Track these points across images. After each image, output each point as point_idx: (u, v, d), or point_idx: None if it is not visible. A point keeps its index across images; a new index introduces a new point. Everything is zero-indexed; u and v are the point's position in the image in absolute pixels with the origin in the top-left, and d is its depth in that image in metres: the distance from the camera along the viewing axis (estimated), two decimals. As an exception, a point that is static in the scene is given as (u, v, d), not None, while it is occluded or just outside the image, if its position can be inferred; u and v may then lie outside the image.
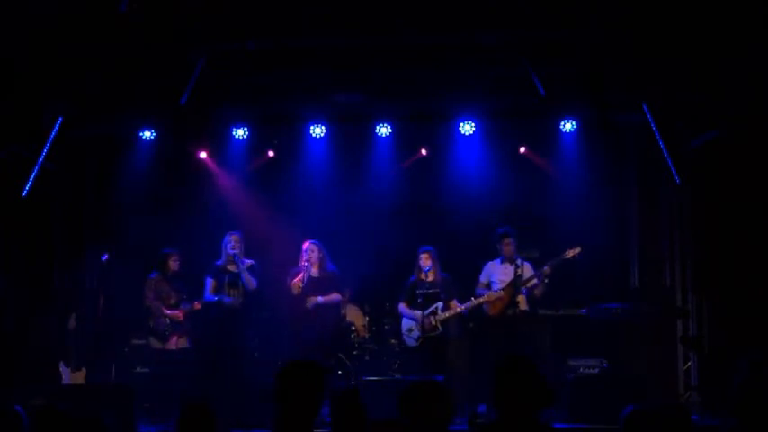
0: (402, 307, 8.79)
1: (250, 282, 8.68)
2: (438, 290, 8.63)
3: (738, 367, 3.09)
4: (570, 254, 8.40)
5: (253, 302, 8.85)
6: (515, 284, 8.44)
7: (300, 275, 8.66)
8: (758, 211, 8.30)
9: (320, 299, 8.70)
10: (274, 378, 3.40)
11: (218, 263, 8.82)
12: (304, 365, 3.39)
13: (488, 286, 8.72)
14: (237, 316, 8.72)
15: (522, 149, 10.00)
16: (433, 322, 8.56)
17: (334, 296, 8.85)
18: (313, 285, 8.68)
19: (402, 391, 3.40)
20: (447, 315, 8.59)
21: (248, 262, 8.78)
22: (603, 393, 7.52)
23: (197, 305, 8.85)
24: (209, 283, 8.79)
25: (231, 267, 8.76)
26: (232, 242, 8.71)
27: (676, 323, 9.45)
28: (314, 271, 8.71)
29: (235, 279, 8.71)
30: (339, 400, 4.45)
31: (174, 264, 8.94)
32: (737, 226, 8.50)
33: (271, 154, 10.25)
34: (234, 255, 8.66)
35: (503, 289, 8.53)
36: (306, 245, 8.78)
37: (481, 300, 8.57)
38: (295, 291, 8.67)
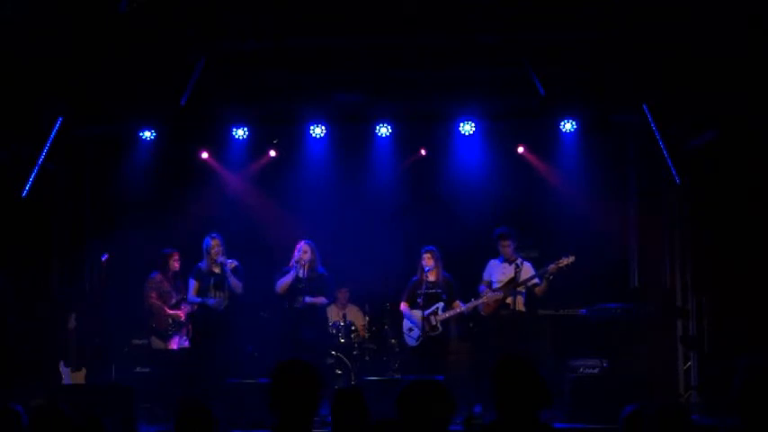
0: (403, 307, 8.80)
1: (237, 286, 8.63)
2: (440, 290, 8.64)
3: (738, 367, 3.08)
4: (564, 263, 8.36)
5: (240, 304, 8.81)
6: (512, 285, 8.44)
7: (291, 276, 8.64)
8: (758, 210, 8.29)
9: (307, 299, 8.64)
10: (269, 378, 3.40)
11: (201, 265, 8.72)
12: (296, 364, 3.38)
13: (490, 285, 8.73)
14: (222, 318, 8.66)
15: (521, 149, 10.00)
16: (434, 322, 8.57)
17: (320, 298, 8.77)
18: (301, 286, 8.65)
19: (401, 391, 3.40)
20: (447, 315, 8.60)
21: (231, 262, 8.73)
22: (603, 393, 7.52)
23: (194, 305, 8.87)
24: (192, 284, 8.73)
25: (216, 269, 8.69)
26: (215, 246, 8.62)
27: (676, 323, 9.44)
28: (304, 271, 8.66)
29: (220, 281, 8.64)
30: (342, 399, 4.45)
31: (174, 264, 8.94)
32: (737, 226, 8.50)
33: (272, 153, 10.24)
34: (219, 261, 8.59)
35: (500, 289, 8.54)
36: (300, 245, 8.75)
37: (480, 301, 8.58)
38: (281, 291, 8.66)
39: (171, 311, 8.81)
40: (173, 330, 8.78)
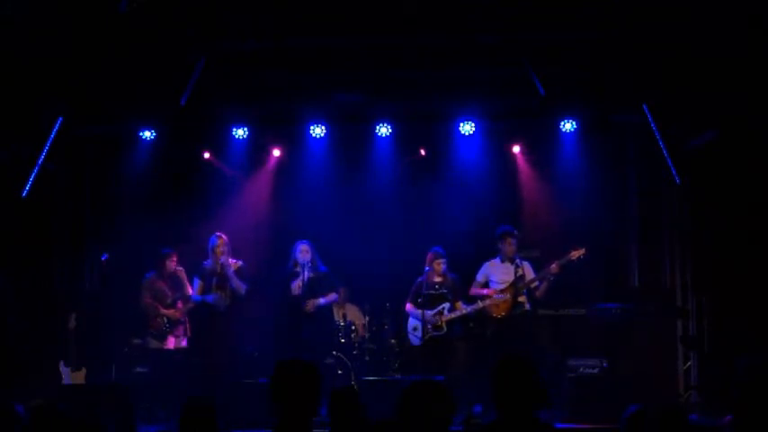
0: (409, 307, 8.82)
1: (240, 287, 8.66)
2: (445, 291, 8.66)
3: (738, 367, 3.08)
4: (575, 255, 8.40)
5: (243, 304, 8.81)
6: (516, 285, 8.45)
7: (302, 277, 8.72)
8: (758, 210, 8.29)
9: (322, 300, 8.82)
10: (270, 378, 3.40)
11: (206, 264, 8.79)
12: (298, 364, 3.39)
13: (486, 286, 8.74)
14: (223, 317, 8.68)
15: (518, 149, 10.00)
16: (439, 322, 8.59)
17: (332, 296, 8.99)
18: (310, 286, 8.73)
19: (402, 391, 3.40)
20: (453, 316, 8.62)
21: (236, 262, 8.75)
22: (603, 393, 7.53)
23: (192, 304, 8.88)
24: (197, 284, 8.81)
25: (219, 269, 8.72)
26: (220, 245, 8.66)
27: (676, 323, 9.44)
28: (308, 272, 8.78)
29: (223, 282, 8.67)
30: (337, 399, 4.46)
31: (171, 264, 8.96)
32: (737, 225, 8.50)
33: (276, 152, 10.23)
34: (221, 262, 8.61)
35: (505, 290, 8.55)
36: (300, 246, 8.80)
37: (486, 303, 8.58)
38: (295, 292, 8.70)
39: (166, 311, 8.83)
40: (168, 330, 8.80)
